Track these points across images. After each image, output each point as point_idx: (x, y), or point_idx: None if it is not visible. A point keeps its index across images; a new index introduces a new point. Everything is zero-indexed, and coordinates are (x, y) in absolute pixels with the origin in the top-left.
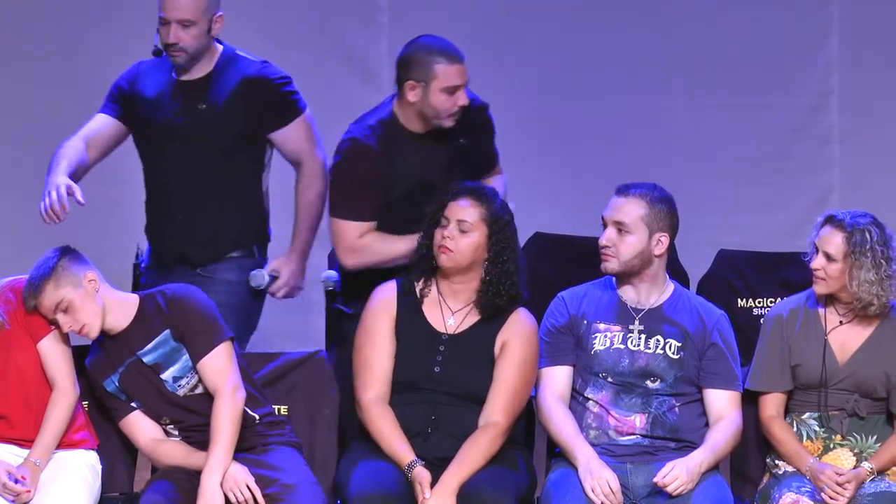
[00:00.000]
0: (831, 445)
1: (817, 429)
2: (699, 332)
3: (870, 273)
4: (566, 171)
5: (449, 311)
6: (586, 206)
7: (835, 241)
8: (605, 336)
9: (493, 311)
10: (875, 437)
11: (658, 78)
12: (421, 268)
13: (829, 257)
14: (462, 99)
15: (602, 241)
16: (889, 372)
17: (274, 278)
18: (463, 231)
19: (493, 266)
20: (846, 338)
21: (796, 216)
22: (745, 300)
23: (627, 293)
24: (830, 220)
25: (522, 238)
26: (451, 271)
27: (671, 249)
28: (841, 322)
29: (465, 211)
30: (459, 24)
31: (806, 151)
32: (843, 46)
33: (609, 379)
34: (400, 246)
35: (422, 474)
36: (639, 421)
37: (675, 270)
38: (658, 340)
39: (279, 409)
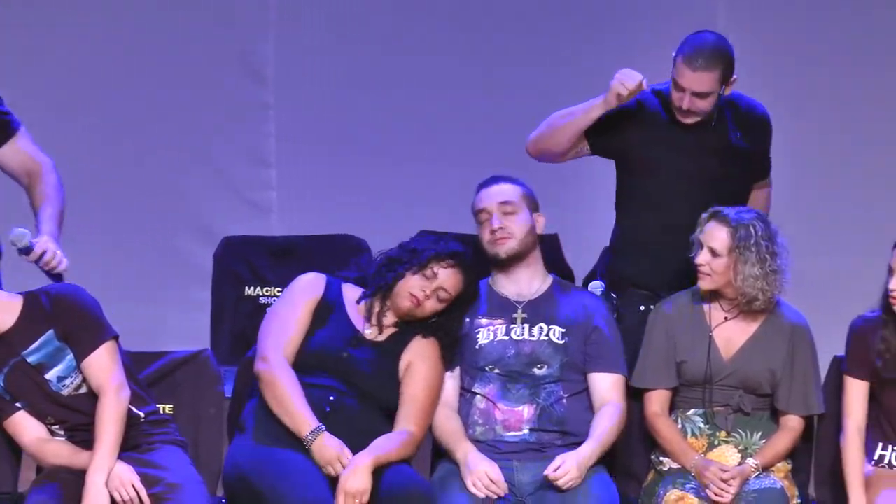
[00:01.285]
0: (716, 442)
1: (702, 425)
2: (582, 318)
3: (755, 268)
4: (450, 168)
5: (370, 323)
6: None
7: (720, 236)
8: (489, 330)
9: (408, 335)
10: (760, 434)
11: (544, 74)
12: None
13: (713, 253)
14: (681, 101)
15: (494, 227)
16: (774, 368)
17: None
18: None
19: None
20: (731, 334)
21: None
22: None
23: (507, 288)
24: (715, 215)
25: (408, 234)
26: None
27: (556, 247)
28: (726, 318)
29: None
30: (347, 23)
31: None
32: None
33: (496, 371)
34: (563, 114)
35: (333, 441)
36: (527, 412)
37: (561, 268)
38: (542, 328)
39: (164, 408)
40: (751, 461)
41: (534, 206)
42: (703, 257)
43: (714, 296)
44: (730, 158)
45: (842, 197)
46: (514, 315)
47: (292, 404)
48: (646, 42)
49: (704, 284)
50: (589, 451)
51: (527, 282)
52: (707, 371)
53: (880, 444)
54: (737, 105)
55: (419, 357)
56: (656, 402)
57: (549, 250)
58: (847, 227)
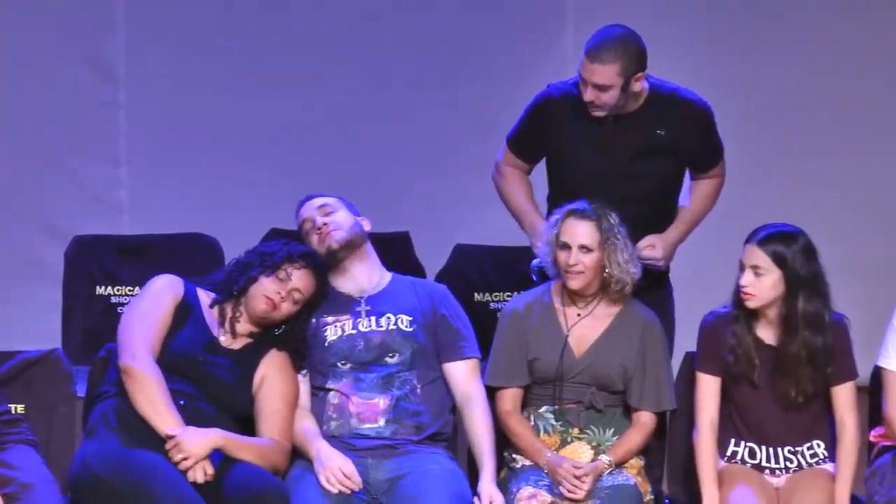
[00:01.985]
0: (569, 439)
1: (554, 422)
2: (427, 306)
3: (623, 253)
4: (301, 167)
5: (223, 329)
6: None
7: (586, 231)
8: (336, 326)
9: (262, 347)
10: (612, 430)
11: (392, 72)
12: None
13: (585, 248)
14: (587, 93)
15: (318, 224)
16: (626, 364)
17: None
18: None
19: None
20: (583, 331)
21: None
22: (482, 294)
23: (347, 286)
24: (573, 213)
25: (260, 233)
26: None
27: (408, 244)
28: (578, 315)
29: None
30: (198, 22)
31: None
32: None
33: (347, 365)
34: (515, 199)
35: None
36: (382, 403)
37: (412, 265)
38: (389, 318)
39: (16, 408)
40: (604, 458)
41: (354, 212)
42: (575, 256)
43: (567, 293)
44: (648, 154)
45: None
46: (359, 309)
47: (161, 402)
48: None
49: (576, 283)
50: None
51: (365, 277)
52: (559, 368)
53: (733, 441)
54: (664, 99)
55: (274, 369)
56: (508, 399)
57: (400, 248)
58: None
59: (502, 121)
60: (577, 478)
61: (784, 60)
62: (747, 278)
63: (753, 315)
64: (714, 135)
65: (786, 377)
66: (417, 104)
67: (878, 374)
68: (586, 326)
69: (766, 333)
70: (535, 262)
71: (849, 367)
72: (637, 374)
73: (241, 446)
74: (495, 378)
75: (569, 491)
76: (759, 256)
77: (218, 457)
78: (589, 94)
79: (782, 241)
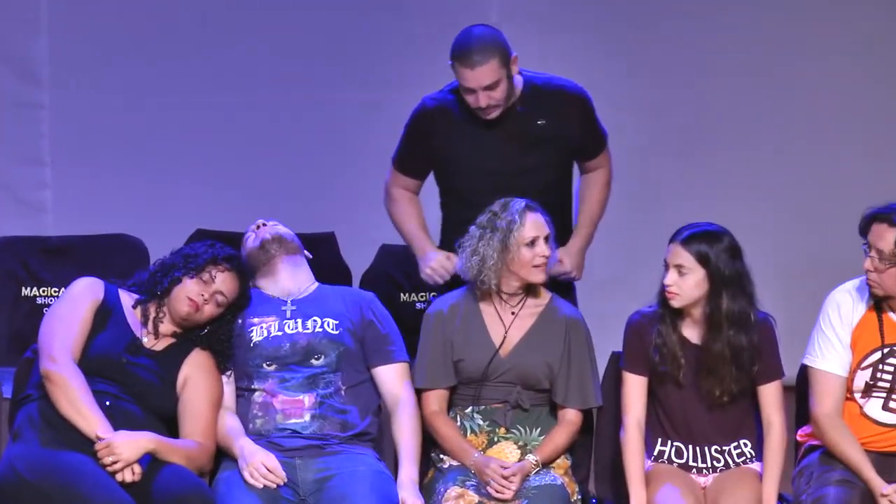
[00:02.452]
0: (495, 439)
1: (481, 422)
2: (354, 312)
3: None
4: (226, 168)
5: (146, 330)
6: (249, 201)
7: (545, 221)
8: (262, 327)
9: (186, 347)
10: (539, 430)
11: (317, 74)
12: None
13: (547, 239)
14: (476, 101)
15: (257, 223)
16: (551, 362)
17: None
18: None
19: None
20: (508, 330)
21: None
22: (407, 295)
23: (274, 288)
24: (530, 208)
25: (185, 234)
26: None
27: (333, 245)
28: (504, 315)
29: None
30: (121, 24)
31: None
32: None
33: (273, 366)
34: (406, 224)
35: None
36: (307, 400)
37: (337, 265)
38: (315, 320)
39: None
40: (530, 457)
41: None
42: (543, 247)
43: (489, 293)
44: (534, 145)
45: (620, 194)
46: (284, 309)
47: (84, 405)
48: (422, 39)
49: (543, 276)
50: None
51: (293, 282)
52: (485, 368)
53: (659, 440)
54: (541, 89)
55: (197, 370)
56: (434, 401)
57: (326, 248)
58: (625, 224)
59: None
60: (505, 478)
61: (712, 59)
62: (671, 277)
63: (678, 314)
64: (595, 118)
65: (710, 376)
66: (342, 105)
67: (804, 372)
68: (511, 326)
69: (692, 332)
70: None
71: (775, 367)
72: (562, 372)
73: (171, 450)
74: (421, 380)
75: (496, 491)
76: (682, 256)
77: (146, 459)
78: (482, 100)
79: (706, 241)
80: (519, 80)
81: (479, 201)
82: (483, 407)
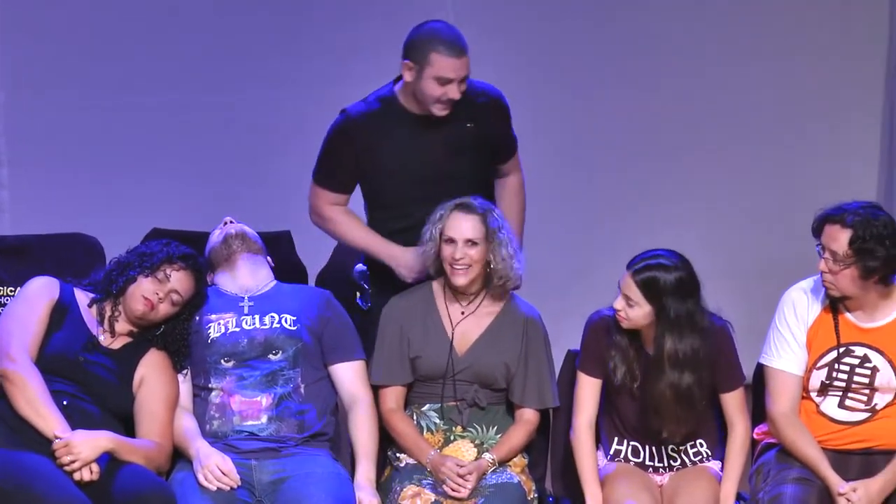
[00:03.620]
0: (452, 437)
1: (438, 420)
2: (311, 310)
3: (507, 248)
4: (181, 167)
5: (103, 328)
6: (205, 200)
7: (472, 225)
8: (219, 323)
9: (142, 347)
10: (496, 429)
11: (271, 72)
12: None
13: (471, 242)
14: (453, 92)
15: (225, 220)
16: (508, 362)
17: None
18: None
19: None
20: (466, 329)
21: None
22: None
23: (232, 285)
24: (459, 207)
25: (141, 233)
26: None
27: (289, 244)
28: (462, 313)
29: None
30: (78, 21)
31: None
32: None
33: (231, 363)
34: (356, 235)
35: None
36: (264, 401)
37: (293, 264)
38: (273, 317)
39: None
40: (487, 456)
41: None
42: (460, 251)
43: (448, 290)
44: (462, 149)
45: (577, 193)
46: (242, 305)
47: (42, 405)
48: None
49: (461, 279)
50: (367, 470)
51: (251, 280)
52: (443, 366)
53: (616, 439)
54: (464, 93)
55: (153, 370)
56: (391, 398)
57: (282, 247)
58: (581, 223)
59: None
60: (461, 476)
61: (668, 63)
62: (620, 303)
63: None
64: (510, 121)
65: (657, 416)
66: (297, 104)
67: (760, 371)
68: (468, 324)
69: (646, 341)
70: (358, 266)
71: (736, 375)
72: (519, 372)
73: (129, 450)
74: (377, 376)
75: (452, 490)
76: (632, 289)
77: (105, 458)
78: (458, 91)
79: (655, 278)
80: None
81: (409, 211)
82: (440, 405)
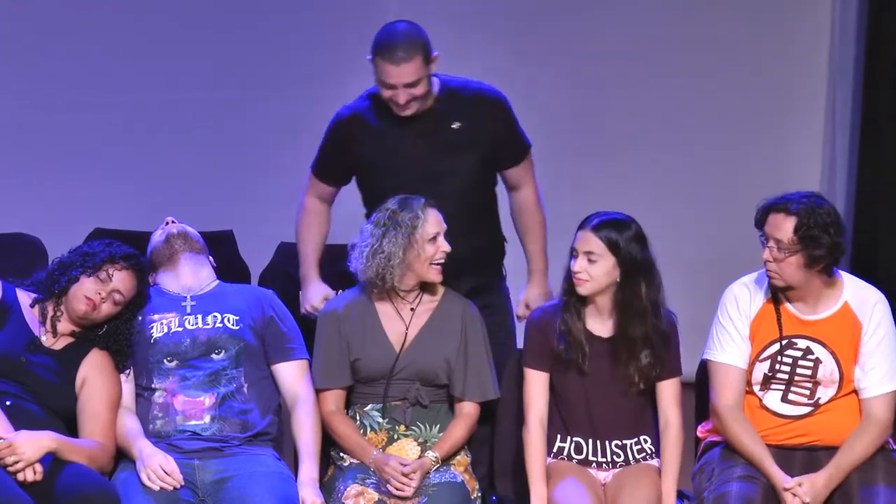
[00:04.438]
0: (395, 436)
1: (381, 420)
2: (255, 309)
3: None
4: (124, 166)
5: (45, 328)
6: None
7: (440, 220)
8: (162, 323)
9: (84, 347)
10: (439, 427)
11: (215, 73)
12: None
13: (446, 235)
14: (399, 97)
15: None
16: (448, 357)
17: None
18: None
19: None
20: (404, 327)
21: (356, 209)
22: None
23: (174, 284)
24: (429, 203)
25: (83, 233)
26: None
27: (231, 243)
28: (399, 312)
29: None
30: (18, 22)
31: None
32: None
33: (174, 363)
34: (303, 237)
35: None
36: (207, 401)
37: (236, 264)
38: (216, 316)
39: None
40: (430, 454)
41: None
42: (442, 245)
43: (383, 291)
44: (447, 150)
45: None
46: (185, 305)
47: None
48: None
49: (437, 275)
50: (310, 469)
51: (193, 279)
52: (387, 366)
53: (559, 436)
54: (456, 93)
55: (96, 370)
56: (331, 400)
57: (224, 247)
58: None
59: (326, 121)
60: (405, 475)
61: (617, 59)
62: (580, 264)
63: (583, 303)
64: (513, 123)
65: (628, 364)
66: (241, 104)
67: (704, 368)
68: (406, 322)
69: (596, 325)
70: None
71: (675, 364)
72: (459, 366)
73: (73, 450)
74: (318, 381)
75: (396, 489)
76: (593, 242)
77: (48, 458)
78: (402, 97)
79: (615, 228)
80: (435, 83)
81: (400, 187)
82: (382, 405)
